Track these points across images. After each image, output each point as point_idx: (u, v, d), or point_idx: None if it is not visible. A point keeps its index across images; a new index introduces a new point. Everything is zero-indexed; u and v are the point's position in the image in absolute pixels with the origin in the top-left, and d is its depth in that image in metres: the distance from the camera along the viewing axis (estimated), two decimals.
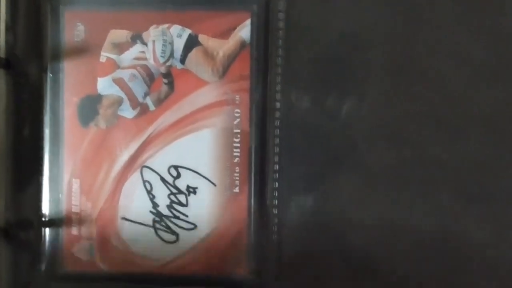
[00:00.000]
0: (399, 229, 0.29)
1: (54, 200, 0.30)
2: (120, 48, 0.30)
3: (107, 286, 0.30)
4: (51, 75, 0.30)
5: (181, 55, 0.29)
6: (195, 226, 0.29)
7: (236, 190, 0.29)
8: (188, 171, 0.29)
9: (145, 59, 0.30)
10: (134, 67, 0.30)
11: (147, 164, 0.30)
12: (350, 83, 0.29)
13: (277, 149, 0.29)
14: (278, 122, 0.29)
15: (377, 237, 0.29)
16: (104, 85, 0.30)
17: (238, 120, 0.29)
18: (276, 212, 0.29)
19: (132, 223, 0.30)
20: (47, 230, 0.30)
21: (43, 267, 0.30)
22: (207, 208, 0.29)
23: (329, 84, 0.29)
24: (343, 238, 0.29)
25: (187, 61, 0.29)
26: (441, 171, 0.29)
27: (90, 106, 0.30)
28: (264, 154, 0.29)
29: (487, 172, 0.29)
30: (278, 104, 0.29)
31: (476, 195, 0.29)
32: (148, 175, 0.30)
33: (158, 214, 0.30)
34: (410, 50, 0.29)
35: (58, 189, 0.30)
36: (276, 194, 0.29)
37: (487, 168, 0.29)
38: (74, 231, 0.30)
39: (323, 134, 0.29)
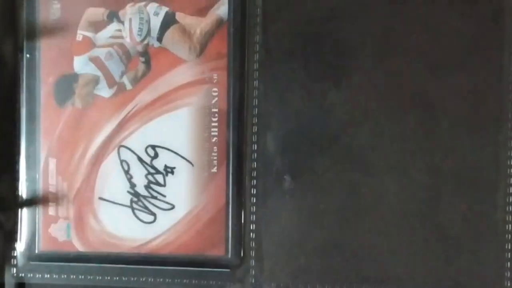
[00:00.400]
0: (380, 208, 0.28)
1: (31, 180, 0.30)
2: (96, 26, 0.29)
3: (84, 266, 0.30)
4: (27, 54, 0.30)
5: (158, 34, 0.29)
6: (173, 206, 0.29)
7: (214, 170, 0.29)
8: (165, 150, 0.29)
9: (122, 37, 0.29)
10: (110, 45, 0.29)
11: (124, 143, 0.29)
12: (331, 61, 0.29)
13: (255, 129, 0.29)
14: (256, 101, 0.29)
15: (354, 221, 0.29)
16: (81, 64, 0.29)
17: (216, 99, 0.29)
18: (254, 192, 0.29)
19: (109, 203, 0.29)
20: (24, 210, 0.30)
21: (19, 247, 0.30)
22: (185, 188, 0.29)
23: (308, 62, 0.29)
24: (322, 218, 0.29)
25: (164, 39, 0.29)
26: (421, 154, 0.28)
27: (66, 85, 0.29)
28: (242, 133, 0.29)
29: (463, 152, 0.28)
30: (256, 83, 0.29)
31: (450, 173, 0.28)
32: (125, 155, 0.29)
33: (136, 194, 0.29)
34: (394, 26, 0.28)
35: (35, 169, 0.30)
36: (254, 175, 0.29)
37: (462, 148, 0.28)
38: (51, 211, 0.30)
39: (303, 114, 0.29)
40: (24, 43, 0.30)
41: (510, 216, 0.28)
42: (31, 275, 0.30)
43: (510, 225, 0.28)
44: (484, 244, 0.28)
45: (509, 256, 0.28)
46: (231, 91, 0.29)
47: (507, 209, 0.28)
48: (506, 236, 0.28)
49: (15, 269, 0.30)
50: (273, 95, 0.29)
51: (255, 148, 0.29)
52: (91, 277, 0.30)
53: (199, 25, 0.29)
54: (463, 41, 0.28)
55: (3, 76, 0.30)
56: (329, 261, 0.29)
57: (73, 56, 0.29)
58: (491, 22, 0.28)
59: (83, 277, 0.30)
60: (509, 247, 0.28)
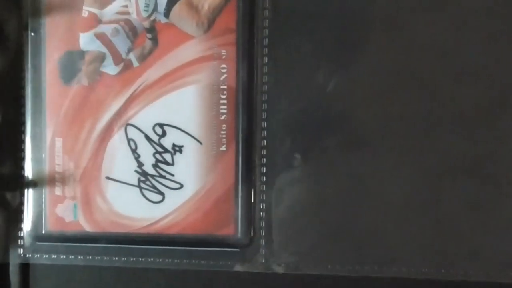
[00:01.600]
0: (389, 190, 0.28)
1: (37, 160, 0.29)
2: (102, 2, 0.29)
3: (91, 247, 0.29)
4: (31, 33, 0.29)
5: (165, 9, 0.28)
6: (182, 185, 0.29)
7: (223, 148, 0.28)
8: (173, 129, 0.29)
9: (128, 13, 0.29)
10: (116, 21, 0.29)
11: (131, 122, 0.29)
12: (343, 38, 0.28)
13: (265, 106, 0.28)
14: (266, 77, 0.28)
15: (362, 201, 0.28)
16: (86, 41, 0.29)
17: (224, 76, 0.28)
18: (264, 170, 0.28)
19: (117, 183, 0.29)
20: (30, 190, 0.29)
21: (25, 227, 0.30)
22: (193, 167, 0.29)
23: (319, 38, 0.28)
24: (332, 199, 0.28)
25: (171, 14, 0.28)
26: (426, 141, 0.28)
27: (72, 63, 0.29)
28: (251, 111, 0.28)
29: (473, 135, 0.28)
30: (266, 59, 0.28)
31: (460, 157, 0.28)
32: (133, 133, 0.29)
33: (143, 173, 0.29)
34: (406, 7, 0.28)
35: (41, 148, 0.29)
36: (264, 153, 0.28)
37: (468, 136, 0.28)
38: (58, 191, 0.29)
39: (314, 91, 0.28)
40: (29, 20, 0.29)
41: None
42: (38, 255, 0.30)
43: None
44: (492, 227, 0.27)
45: None
46: (240, 67, 0.28)
47: None
48: None
49: (21, 250, 0.30)
50: (283, 72, 0.28)
51: (265, 126, 0.28)
52: (98, 258, 0.29)
53: None
54: (478, 21, 0.27)
55: (7, 54, 0.29)
56: (339, 242, 0.28)
57: (78, 32, 0.29)
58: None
59: (90, 257, 0.29)
60: None
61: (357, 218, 0.28)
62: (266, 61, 0.28)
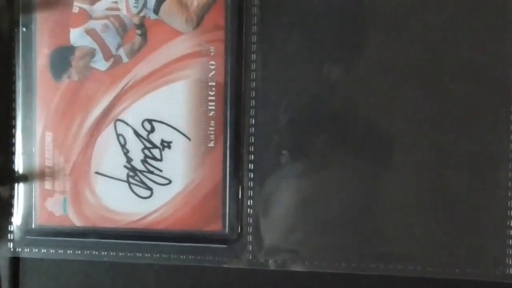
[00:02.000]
0: (383, 187, 0.28)
1: (27, 154, 0.30)
2: None
3: (81, 241, 0.29)
4: (22, 27, 0.29)
5: (154, 5, 0.28)
6: (170, 181, 0.29)
7: (211, 144, 0.29)
8: (162, 125, 0.29)
9: (118, 9, 0.29)
10: (107, 17, 0.29)
11: (120, 117, 0.29)
12: (333, 34, 0.28)
13: (253, 103, 0.28)
14: (254, 74, 0.28)
15: (358, 195, 0.28)
16: (77, 36, 0.29)
17: (213, 72, 0.28)
18: (252, 167, 0.29)
19: (106, 178, 0.29)
20: (20, 184, 0.30)
21: (16, 221, 0.30)
22: (181, 163, 0.29)
23: (309, 34, 0.28)
24: (321, 195, 0.28)
25: (161, 11, 0.28)
26: (428, 135, 0.28)
27: (62, 58, 0.29)
28: (239, 107, 0.28)
29: (468, 141, 0.28)
30: (254, 56, 0.28)
31: (459, 154, 0.28)
32: (122, 128, 0.29)
33: (132, 168, 0.29)
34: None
35: (31, 142, 0.29)
36: (252, 149, 0.29)
37: (468, 136, 0.28)
38: (48, 185, 0.29)
39: (302, 88, 0.28)
40: (20, 16, 0.29)
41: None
42: (28, 249, 0.30)
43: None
44: (489, 221, 0.27)
45: (510, 233, 0.27)
46: (229, 64, 0.28)
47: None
48: (508, 212, 0.27)
49: (11, 244, 0.30)
50: (272, 69, 0.28)
51: (253, 122, 0.28)
52: (88, 252, 0.30)
53: None
54: (479, 15, 0.27)
55: None
56: (327, 238, 0.28)
57: (69, 28, 0.29)
58: None
59: (79, 251, 0.30)
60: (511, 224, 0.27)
61: (349, 215, 0.28)
62: (255, 58, 0.28)
